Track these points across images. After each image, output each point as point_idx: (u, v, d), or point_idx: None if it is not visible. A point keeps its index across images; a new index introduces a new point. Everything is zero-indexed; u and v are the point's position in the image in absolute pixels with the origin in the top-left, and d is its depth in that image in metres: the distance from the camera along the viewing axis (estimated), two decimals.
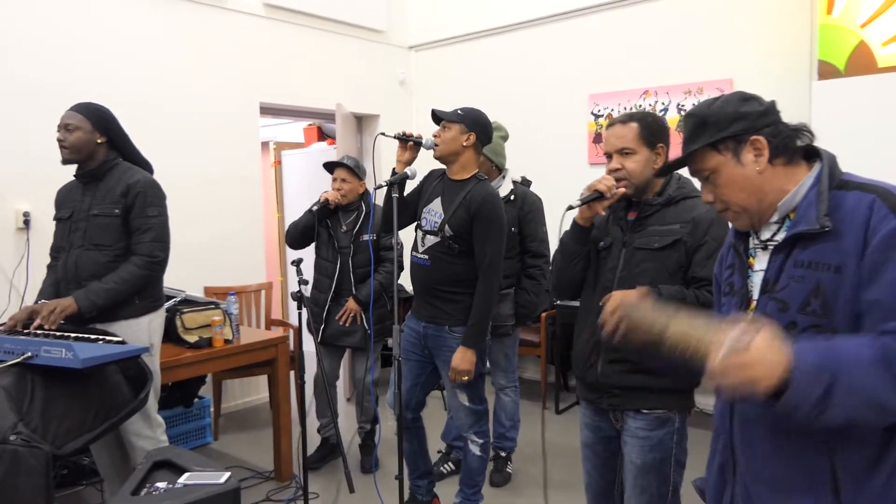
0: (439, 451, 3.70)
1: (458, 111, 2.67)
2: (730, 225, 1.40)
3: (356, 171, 3.51)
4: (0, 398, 1.96)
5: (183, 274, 3.44)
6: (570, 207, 1.94)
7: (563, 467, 3.66)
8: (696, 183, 1.50)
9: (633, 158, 1.90)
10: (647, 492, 1.93)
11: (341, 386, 4.60)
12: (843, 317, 1.15)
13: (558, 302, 4.42)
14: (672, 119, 4.39)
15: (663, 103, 4.48)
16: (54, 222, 2.73)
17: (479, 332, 2.66)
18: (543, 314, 4.42)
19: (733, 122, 1.27)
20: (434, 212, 2.72)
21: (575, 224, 2.01)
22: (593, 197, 1.91)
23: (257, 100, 4.70)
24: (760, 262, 1.30)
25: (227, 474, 1.85)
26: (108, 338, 2.36)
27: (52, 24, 3.70)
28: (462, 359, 2.64)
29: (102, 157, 2.63)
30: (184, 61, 4.28)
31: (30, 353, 2.09)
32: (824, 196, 1.20)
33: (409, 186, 2.82)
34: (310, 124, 6.70)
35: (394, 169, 2.73)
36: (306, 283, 2.70)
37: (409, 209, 2.81)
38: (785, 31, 4.00)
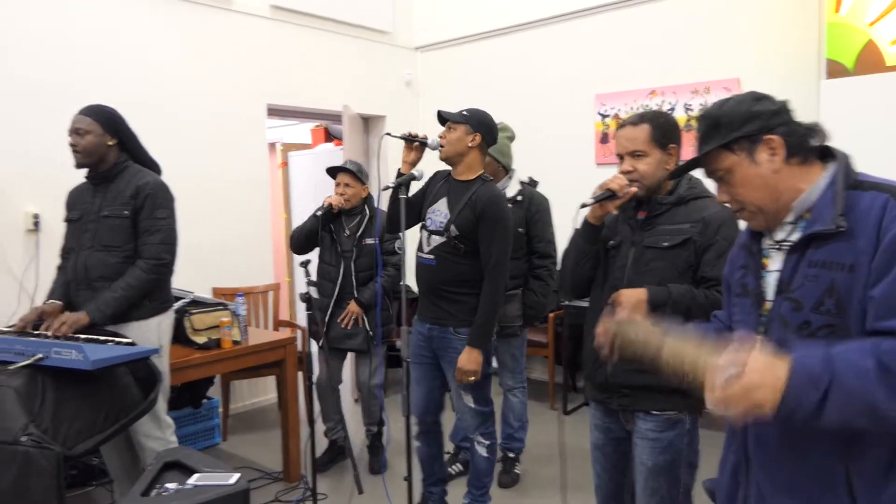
0: (448, 453, 3.70)
1: (464, 112, 2.67)
2: (741, 226, 1.40)
3: (359, 175, 3.53)
4: (11, 399, 1.97)
5: (191, 275, 3.45)
6: (584, 205, 1.94)
7: (571, 468, 3.65)
8: (707, 184, 1.50)
9: (645, 160, 1.90)
10: (657, 493, 1.92)
11: (348, 388, 4.60)
12: (856, 316, 1.14)
13: (566, 302, 4.42)
14: (678, 119, 4.37)
15: (670, 103, 4.47)
16: (64, 224, 2.74)
17: (485, 332, 2.66)
18: (551, 315, 4.41)
19: (746, 121, 1.27)
20: (439, 212, 2.72)
21: (586, 222, 2.01)
22: (606, 196, 1.91)
23: (264, 101, 4.71)
24: (775, 263, 1.29)
25: (237, 475, 1.85)
26: (117, 339, 2.37)
27: (59, 27, 3.72)
28: (468, 359, 2.63)
29: (113, 160, 2.64)
30: (191, 63, 4.29)
31: (41, 355, 2.10)
32: (839, 196, 1.20)
33: (414, 187, 2.82)
34: (317, 125, 6.71)
35: (399, 170, 2.73)
36: (315, 284, 2.70)
37: (413, 210, 2.82)
38: (792, 30, 3.99)
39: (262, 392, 4.81)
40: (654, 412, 1.92)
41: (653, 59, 4.55)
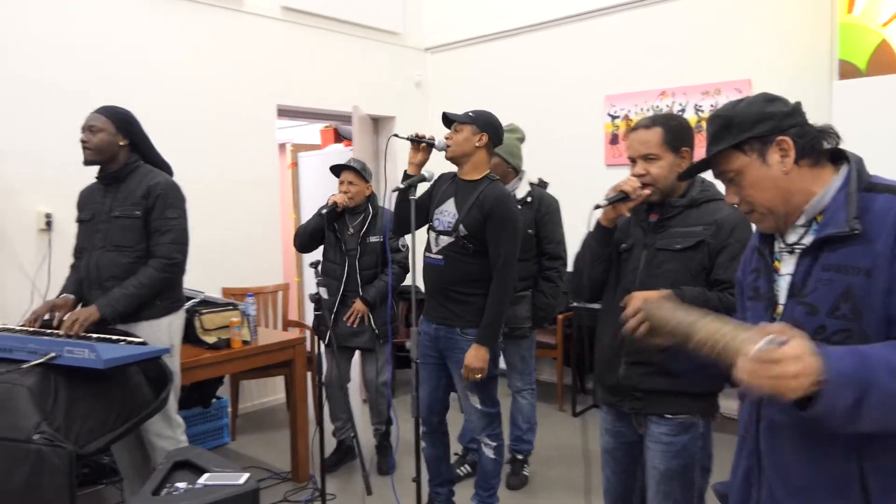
0: (455, 454, 3.70)
1: (470, 113, 2.70)
2: (753, 228, 1.38)
3: (363, 173, 3.53)
4: (24, 398, 1.99)
5: (201, 275, 3.46)
6: (598, 206, 1.94)
7: (580, 471, 3.64)
8: (719, 186, 1.49)
9: (658, 164, 1.89)
10: (670, 497, 1.91)
11: (356, 388, 4.61)
12: (873, 321, 1.13)
13: (574, 304, 4.41)
14: (689, 120, 4.35)
15: (680, 104, 4.46)
16: (76, 224, 2.76)
17: (493, 331, 2.66)
18: (560, 316, 4.40)
19: (758, 122, 1.26)
20: (447, 212, 2.73)
21: (598, 225, 2.00)
22: (619, 198, 1.90)
23: (275, 102, 4.73)
24: (787, 266, 1.28)
25: (247, 475, 1.85)
26: (129, 339, 2.38)
27: (72, 29, 3.74)
28: (475, 356, 2.63)
29: (124, 160, 2.65)
30: (202, 64, 4.31)
31: (53, 354, 2.11)
32: (853, 198, 1.19)
33: (420, 189, 2.83)
34: (326, 126, 6.73)
35: (405, 171, 2.74)
36: (324, 284, 2.71)
37: (421, 212, 2.82)
38: (804, 31, 3.97)
39: (270, 392, 4.82)
40: (668, 416, 1.91)
41: (663, 59, 4.53)
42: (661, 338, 1.36)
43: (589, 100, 4.89)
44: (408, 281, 3.07)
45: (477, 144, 2.69)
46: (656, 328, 1.36)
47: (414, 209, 2.62)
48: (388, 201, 3.14)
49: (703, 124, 4.31)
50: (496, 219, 2.63)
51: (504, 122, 3.47)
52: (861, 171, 1.24)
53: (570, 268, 2.86)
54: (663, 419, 1.92)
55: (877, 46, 3.51)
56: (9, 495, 1.91)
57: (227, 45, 4.44)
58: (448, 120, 2.71)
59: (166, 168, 2.79)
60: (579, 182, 4.48)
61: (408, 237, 2.96)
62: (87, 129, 2.60)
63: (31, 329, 2.44)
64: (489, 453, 2.85)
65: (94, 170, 2.70)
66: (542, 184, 3.57)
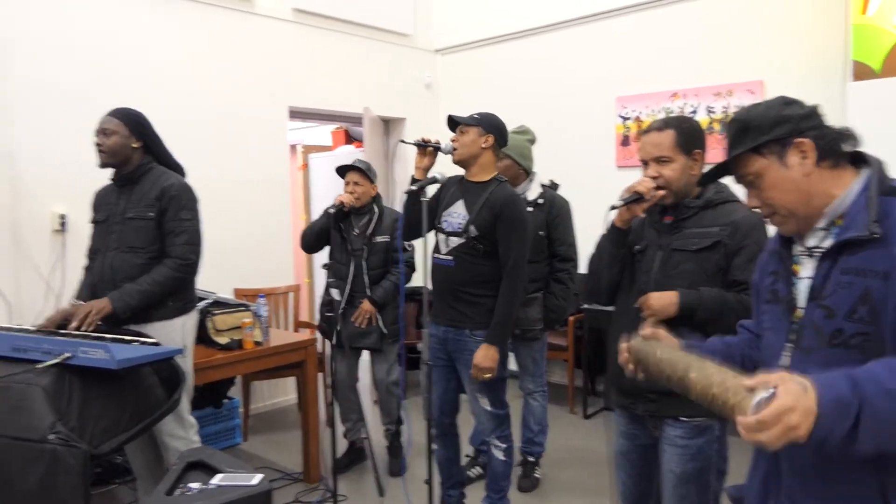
0: (467, 456, 3.70)
1: (475, 115, 2.71)
2: (770, 231, 1.37)
3: (368, 173, 3.55)
4: (40, 398, 2.00)
5: (213, 276, 3.48)
6: (613, 207, 1.94)
7: (592, 473, 3.64)
8: (736, 189, 1.48)
9: (671, 166, 1.89)
10: (686, 500, 1.90)
11: (368, 389, 4.61)
12: (890, 324, 1.12)
13: (585, 306, 4.40)
14: (701, 122, 4.34)
15: (692, 106, 4.44)
16: (90, 225, 2.78)
17: (503, 331, 2.67)
18: (571, 318, 4.39)
19: (776, 125, 1.26)
20: (457, 214, 2.74)
21: (612, 226, 2.00)
22: (633, 198, 1.90)
23: (286, 104, 4.75)
24: (806, 269, 1.27)
25: (260, 476, 1.86)
26: (143, 339, 2.39)
27: (86, 32, 3.77)
28: (485, 356, 2.63)
29: (138, 161, 2.67)
30: (215, 66, 4.33)
31: (68, 354, 2.13)
32: (873, 202, 1.18)
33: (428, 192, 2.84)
34: (337, 127, 6.75)
35: (413, 175, 2.75)
36: (337, 286, 2.72)
37: (428, 215, 2.83)
38: (818, 32, 3.94)
39: (281, 393, 4.84)
40: (683, 418, 1.90)
41: (675, 61, 4.52)
42: (648, 375, 1.35)
43: (600, 101, 4.88)
44: (419, 282, 3.06)
45: (483, 146, 2.70)
46: (643, 365, 1.35)
47: (426, 211, 2.62)
48: (401, 203, 3.15)
49: (716, 126, 4.29)
50: (506, 220, 2.64)
51: (515, 124, 3.49)
52: (882, 174, 1.23)
53: (581, 270, 2.86)
54: (678, 422, 1.91)
55: (892, 47, 3.48)
56: (24, 495, 1.92)
57: (239, 47, 4.46)
58: (453, 123, 2.72)
59: (179, 169, 2.80)
60: (590, 184, 4.47)
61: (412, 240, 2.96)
62: (101, 132, 2.62)
63: (46, 329, 2.46)
64: (499, 455, 2.85)
65: (108, 171, 2.71)
66: (554, 185, 3.57)
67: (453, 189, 2.82)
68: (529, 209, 3.22)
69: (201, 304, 3.20)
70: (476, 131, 2.68)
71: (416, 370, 4.99)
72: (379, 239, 3.55)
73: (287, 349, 3.46)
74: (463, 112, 2.79)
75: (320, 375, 4.03)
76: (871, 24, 3.54)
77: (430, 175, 2.71)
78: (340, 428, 3.72)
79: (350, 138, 6.77)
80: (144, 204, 2.62)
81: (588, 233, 2.86)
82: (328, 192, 6.22)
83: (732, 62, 4.26)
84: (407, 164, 5.20)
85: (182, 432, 2.68)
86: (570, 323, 4.44)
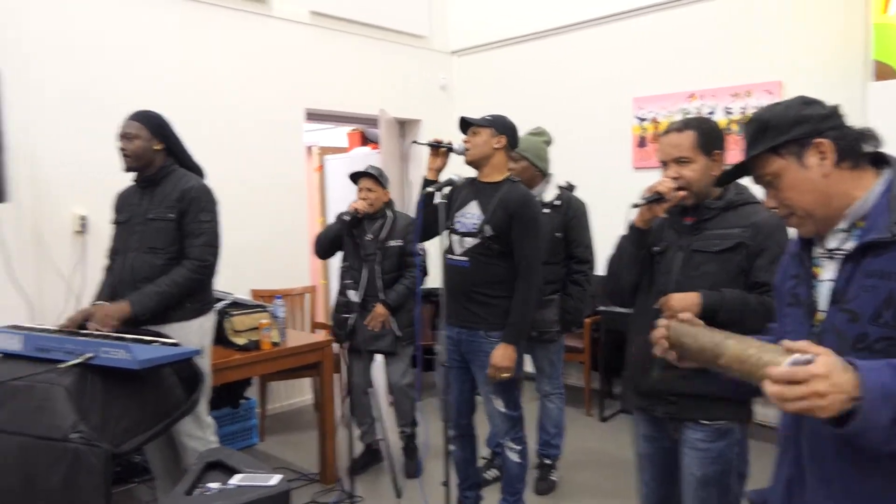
0: (483, 458, 3.69)
1: (487, 117, 2.72)
2: (791, 233, 1.36)
3: (381, 179, 3.57)
4: (62, 398, 2.03)
5: (230, 277, 3.51)
6: (635, 205, 1.93)
7: (609, 476, 3.62)
8: (755, 190, 1.46)
9: (691, 167, 1.88)
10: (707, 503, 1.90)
11: (384, 392, 4.62)
12: None
13: (602, 308, 4.38)
14: (719, 123, 4.30)
15: (710, 107, 4.40)
16: (112, 226, 2.81)
17: (519, 330, 2.67)
18: (588, 320, 4.38)
19: (795, 125, 1.24)
20: (471, 214, 2.74)
21: (632, 227, 2.00)
22: (654, 198, 1.89)
23: (303, 105, 4.78)
24: (827, 272, 1.26)
25: (279, 476, 1.87)
26: (163, 339, 2.42)
27: (105, 35, 3.81)
28: (503, 356, 2.63)
29: (160, 164, 2.70)
30: (231, 68, 4.37)
31: (90, 354, 2.15)
32: (895, 203, 1.17)
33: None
34: (353, 129, 6.77)
35: (425, 177, 2.76)
36: (354, 287, 2.73)
37: (442, 217, 2.84)
38: (837, 31, 3.90)
39: (297, 393, 4.86)
40: (704, 421, 1.89)
41: (692, 61, 4.49)
42: (687, 360, 1.34)
43: (616, 102, 4.86)
44: (436, 284, 3.07)
45: (496, 146, 2.71)
46: (681, 350, 1.34)
47: (443, 212, 2.63)
48: (409, 203, 3.16)
49: (734, 127, 4.26)
50: (520, 219, 2.65)
51: (531, 125, 3.49)
52: None
53: (598, 271, 2.84)
54: (699, 425, 1.89)
55: None
56: (47, 493, 1.95)
57: (256, 49, 4.49)
58: (465, 124, 2.73)
59: (199, 171, 2.83)
60: (607, 185, 4.45)
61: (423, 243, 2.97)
62: (124, 136, 2.66)
63: (68, 329, 2.49)
64: (513, 457, 2.85)
65: (131, 173, 2.74)
66: (570, 187, 3.56)
67: (465, 190, 2.83)
68: (546, 211, 3.22)
69: (219, 305, 3.23)
70: (488, 132, 2.70)
71: (432, 372, 4.99)
72: (392, 243, 3.57)
73: (304, 350, 3.48)
74: (479, 114, 2.80)
75: (336, 376, 4.04)
76: (892, 24, 3.50)
77: (446, 177, 2.72)
78: (356, 431, 3.74)
79: (366, 140, 6.79)
80: (165, 205, 2.65)
81: (605, 234, 2.85)
82: (343, 193, 6.24)
83: (751, 62, 4.23)
84: (422, 165, 5.21)
85: (200, 432, 2.70)
86: (587, 325, 4.42)
